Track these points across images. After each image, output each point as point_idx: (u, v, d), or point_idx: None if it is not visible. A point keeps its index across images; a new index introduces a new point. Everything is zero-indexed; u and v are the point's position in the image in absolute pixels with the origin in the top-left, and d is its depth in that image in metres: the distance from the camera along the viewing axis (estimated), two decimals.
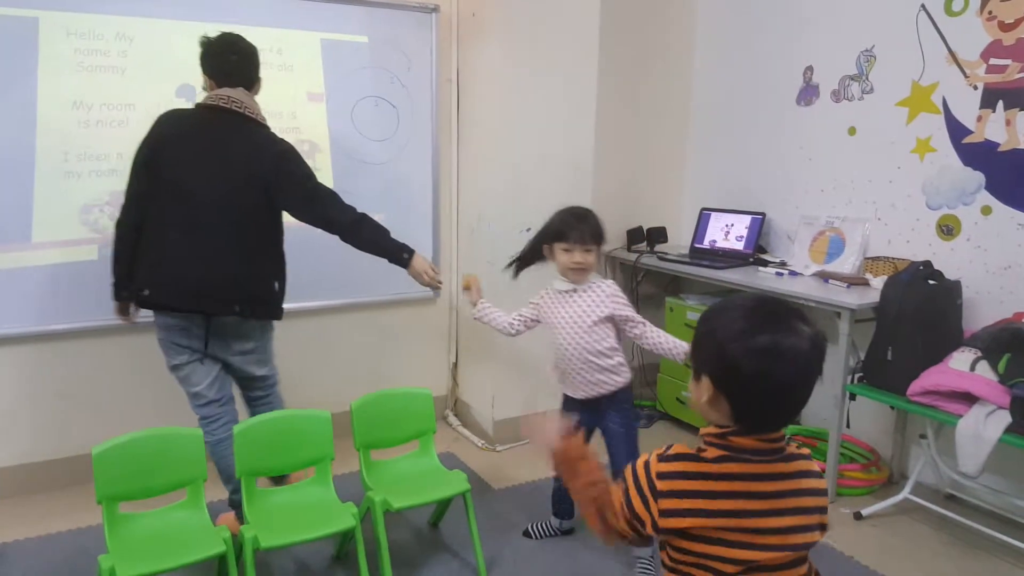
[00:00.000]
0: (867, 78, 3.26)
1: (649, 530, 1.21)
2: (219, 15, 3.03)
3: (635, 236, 3.97)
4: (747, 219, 3.71)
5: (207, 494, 2.18)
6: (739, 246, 3.70)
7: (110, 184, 2.91)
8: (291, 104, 3.22)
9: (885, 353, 2.77)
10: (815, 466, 1.27)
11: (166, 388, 3.05)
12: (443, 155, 3.57)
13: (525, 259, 2.58)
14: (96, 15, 2.84)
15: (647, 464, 1.23)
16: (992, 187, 2.85)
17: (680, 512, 1.18)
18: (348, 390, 2.60)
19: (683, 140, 4.19)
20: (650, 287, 4.15)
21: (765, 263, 3.51)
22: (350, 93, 3.33)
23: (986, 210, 2.87)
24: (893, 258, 3.12)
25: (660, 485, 1.19)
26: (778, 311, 1.18)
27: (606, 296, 2.39)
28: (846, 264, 3.22)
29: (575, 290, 2.42)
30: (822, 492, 1.25)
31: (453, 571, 2.43)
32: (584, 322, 2.37)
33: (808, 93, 3.52)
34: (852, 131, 3.34)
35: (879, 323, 2.82)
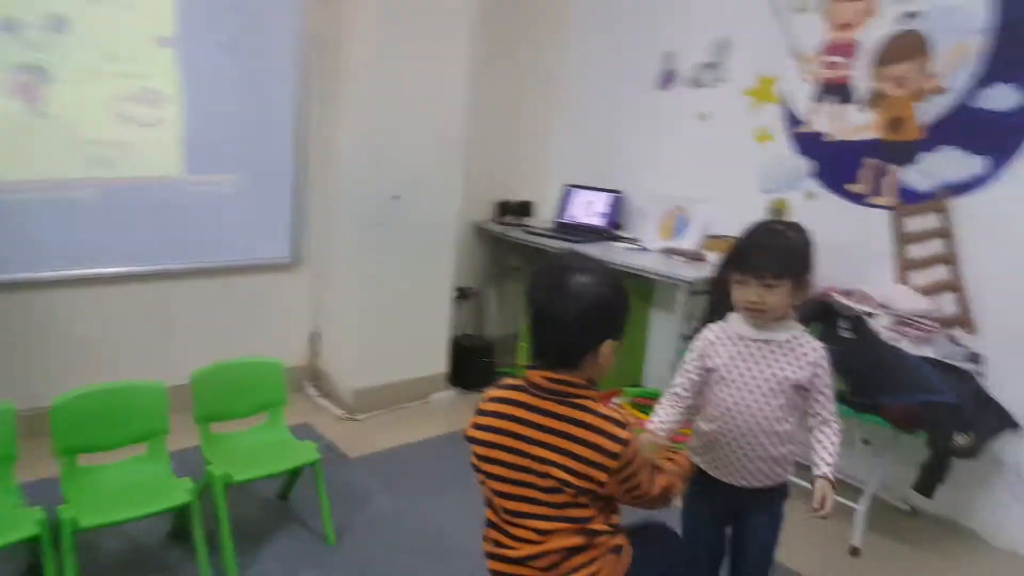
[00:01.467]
0: (721, 67, 3.43)
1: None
2: None
3: (504, 209, 4.02)
4: (606, 196, 3.84)
5: (19, 475, 2.01)
6: (599, 222, 3.82)
7: None
8: (136, 47, 2.94)
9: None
10: (606, 425, 1.42)
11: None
12: (306, 112, 3.41)
13: (717, 294, 2.09)
14: None
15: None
16: (818, 174, 3.12)
17: (475, 426, 1.54)
18: (194, 361, 2.45)
19: (551, 115, 4.24)
20: (516, 259, 4.22)
21: (620, 239, 3.68)
22: (203, 39, 3.08)
23: (809, 195, 3.14)
24: (728, 236, 3.34)
25: (473, 419, 1.56)
26: (558, 274, 1.44)
27: (809, 362, 1.70)
28: (688, 241, 3.48)
29: (767, 343, 1.73)
30: (598, 447, 1.40)
31: (300, 540, 2.39)
32: (767, 387, 1.71)
33: (667, 78, 3.67)
34: (703, 117, 3.52)
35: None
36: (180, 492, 2.07)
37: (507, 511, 1.49)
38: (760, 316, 1.70)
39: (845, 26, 2.99)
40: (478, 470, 1.53)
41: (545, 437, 1.43)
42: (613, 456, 1.39)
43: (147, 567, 2.21)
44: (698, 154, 3.56)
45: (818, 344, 1.73)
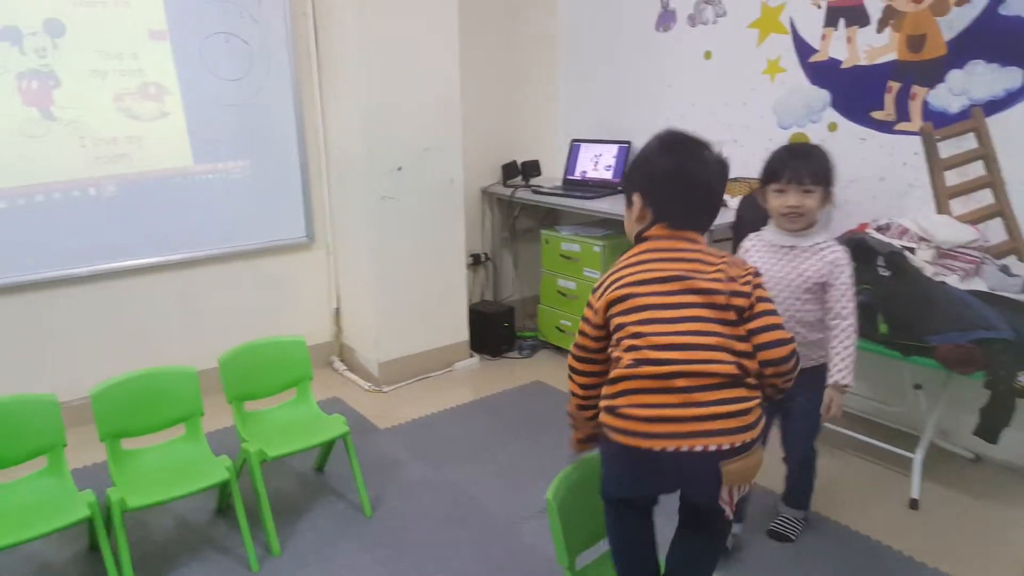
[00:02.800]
0: (720, 2, 3.36)
1: (596, 324, 1.49)
2: None
3: (510, 171, 4.02)
4: (614, 148, 3.82)
5: (69, 462, 2.12)
6: (608, 175, 3.81)
7: None
8: (131, 44, 2.99)
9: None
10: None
11: (15, 357, 2.93)
12: (305, 94, 3.44)
13: (745, 217, 2.28)
14: None
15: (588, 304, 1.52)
16: (837, 104, 3.03)
17: (615, 300, 1.45)
18: (222, 345, 2.54)
19: (552, 71, 4.20)
20: (528, 221, 4.23)
21: None
22: (196, 30, 3.12)
23: (832, 127, 3.05)
24: (748, 178, 3.30)
25: (596, 294, 1.49)
26: (687, 139, 1.51)
27: (827, 262, 1.97)
28: None
29: (793, 248, 2.01)
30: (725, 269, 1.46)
31: (338, 512, 2.49)
32: (795, 285, 2.00)
33: (666, 19, 3.60)
34: (708, 55, 3.45)
35: (735, 240, 3.01)
36: (219, 470, 2.16)
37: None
38: (798, 220, 1.97)
39: None
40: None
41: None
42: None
43: (195, 543, 2.32)
44: (707, 95, 3.49)
45: (839, 247, 1.99)
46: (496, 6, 3.92)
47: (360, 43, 3.14)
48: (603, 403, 1.46)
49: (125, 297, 3.15)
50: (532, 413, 3.21)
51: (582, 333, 1.53)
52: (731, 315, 1.41)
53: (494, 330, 3.85)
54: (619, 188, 3.70)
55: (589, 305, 1.51)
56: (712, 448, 1.36)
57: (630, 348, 1.41)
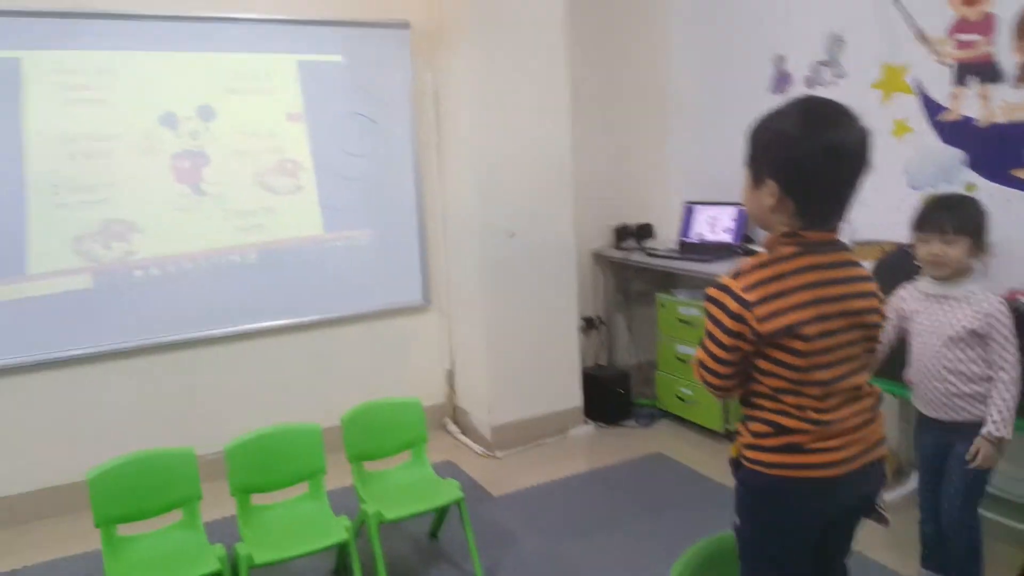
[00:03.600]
0: (837, 63, 3.27)
1: (749, 341, 1.31)
2: (197, 44, 3.09)
3: (622, 233, 4.01)
4: (732, 210, 3.72)
5: (204, 514, 2.22)
6: (727, 238, 3.70)
7: (100, 213, 2.98)
8: (271, 126, 3.27)
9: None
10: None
11: (163, 411, 3.14)
12: (424, 166, 3.61)
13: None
14: (77, 51, 2.90)
15: (726, 288, 1.32)
16: (975, 164, 2.84)
17: (776, 313, 1.29)
18: (342, 403, 2.63)
19: (662, 133, 4.19)
20: (641, 284, 4.17)
21: (753, 254, 3.50)
22: (329, 111, 3.38)
23: (970, 187, 2.84)
24: (880, 241, 3.11)
25: (750, 296, 1.29)
26: (832, 109, 1.31)
27: (982, 312, 1.95)
28: None
29: (945, 297, 2.03)
30: (870, 278, 1.41)
31: None
32: (946, 335, 2.00)
33: (781, 81, 3.53)
34: None
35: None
36: (339, 530, 2.19)
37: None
38: (941, 268, 2.00)
39: (971, 1, 2.76)
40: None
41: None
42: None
43: None
44: None
45: (995, 297, 1.97)
46: (607, 70, 3.99)
47: (475, 115, 3.28)
48: (770, 449, 1.38)
49: (260, 356, 3.34)
50: (653, 488, 3.06)
51: (719, 350, 1.35)
52: (871, 332, 1.40)
53: (609, 396, 3.75)
54: (739, 251, 3.59)
55: (735, 316, 1.30)
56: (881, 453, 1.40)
57: (795, 392, 1.34)
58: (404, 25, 3.47)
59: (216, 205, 3.20)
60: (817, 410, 1.34)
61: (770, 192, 1.31)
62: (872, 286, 1.40)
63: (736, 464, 1.46)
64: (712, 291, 1.35)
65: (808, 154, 1.27)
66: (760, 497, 1.42)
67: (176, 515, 2.22)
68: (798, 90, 3.45)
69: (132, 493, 2.13)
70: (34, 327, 2.92)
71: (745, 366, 1.37)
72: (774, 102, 3.16)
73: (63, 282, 2.96)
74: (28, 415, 2.96)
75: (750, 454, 1.40)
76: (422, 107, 3.58)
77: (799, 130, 1.28)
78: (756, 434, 1.39)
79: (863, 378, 1.40)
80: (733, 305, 1.30)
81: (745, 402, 1.43)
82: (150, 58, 3.02)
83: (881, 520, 1.49)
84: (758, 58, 3.61)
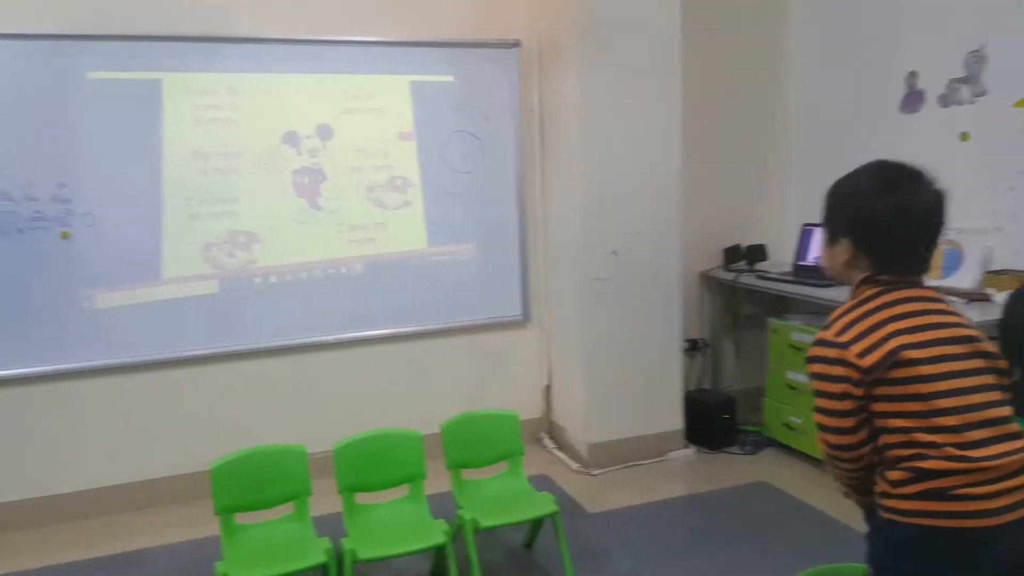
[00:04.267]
0: (977, 80, 3.06)
1: (857, 383, 1.27)
2: (318, 67, 3.29)
3: (732, 255, 3.88)
4: None
5: (311, 508, 2.32)
6: None
7: (227, 224, 3.20)
8: (384, 144, 3.42)
9: (1010, 373, 2.54)
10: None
11: (275, 409, 3.31)
12: (528, 183, 3.66)
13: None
14: (210, 73, 3.15)
15: (819, 342, 1.33)
16: None
17: (874, 346, 1.27)
18: (441, 411, 2.69)
19: (780, 153, 4.07)
20: (751, 308, 4.03)
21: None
22: (438, 129, 3.50)
23: None
24: (1019, 270, 2.88)
25: (844, 338, 1.29)
26: (905, 173, 1.35)
27: None
28: (965, 279, 3.01)
29: None
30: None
31: None
32: None
33: (912, 100, 3.35)
34: (964, 137, 3.13)
35: (1003, 341, 2.58)
36: (437, 533, 2.23)
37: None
38: None
39: None
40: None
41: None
42: None
43: None
44: (963, 180, 3.12)
45: None
46: (721, 84, 3.91)
47: (582, 132, 3.29)
48: (910, 497, 1.26)
49: (365, 362, 3.47)
50: (756, 516, 2.93)
51: (831, 402, 1.31)
52: (993, 362, 1.34)
53: (712, 421, 3.63)
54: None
55: (835, 361, 1.28)
56: None
57: (925, 428, 1.25)
58: (514, 44, 3.55)
59: (331, 219, 3.37)
60: (957, 445, 1.23)
61: (844, 249, 1.37)
62: (966, 320, 1.36)
63: (870, 512, 1.36)
64: (810, 352, 1.36)
65: (877, 214, 1.33)
66: (899, 550, 1.29)
67: (287, 508, 2.33)
68: (930, 109, 3.27)
69: (249, 485, 2.27)
70: (165, 327, 3.16)
71: (868, 426, 1.31)
72: (904, 122, 3.04)
73: (192, 287, 3.19)
74: (155, 409, 3.19)
75: (887, 502, 1.30)
76: (528, 126, 3.64)
77: (870, 190, 1.35)
78: (894, 482, 1.28)
79: (1004, 411, 1.29)
80: (831, 352, 1.31)
81: (880, 455, 1.32)
82: (275, 80, 3.24)
83: None
84: (887, 75, 3.45)
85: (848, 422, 1.30)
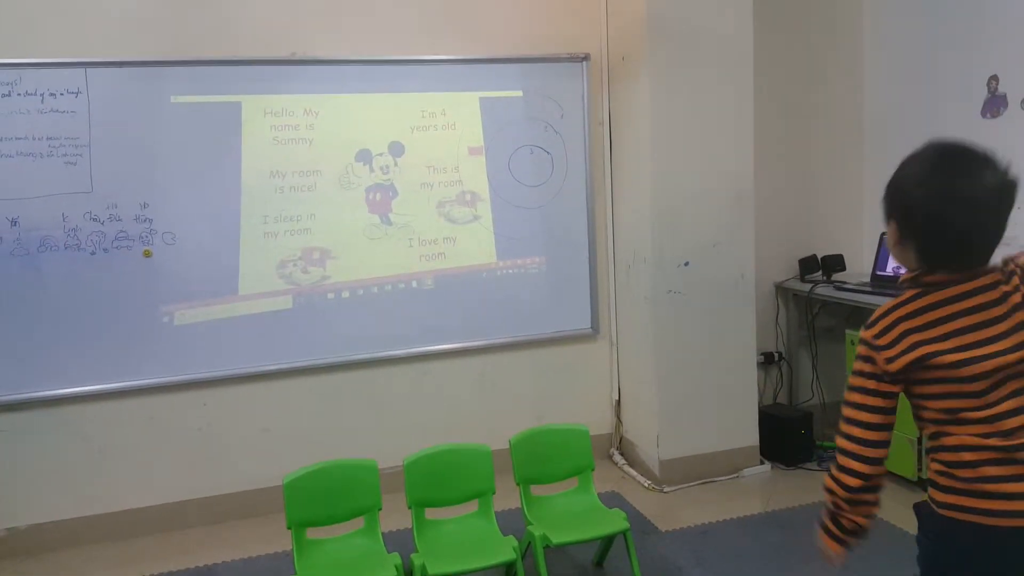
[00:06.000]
0: None
1: (885, 381, 1.29)
2: (390, 86, 3.35)
3: (808, 265, 3.75)
4: None
5: (382, 523, 2.34)
6: None
7: (302, 241, 3.29)
8: (454, 159, 3.45)
9: None
10: None
11: (346, 424, 3.37)
12: (597, 195, 3.63)
13: None
14: (288, 95, 3.25)
15: (860, 340, 1.33)
16: None
17: (904, 351, 1.26)
18: (510, 426, 2.68)
19: (857, 161, 3.91)
20: (828, 319, 3.87)
21: None
22: (507, 144, 3.51)
23: None
24: None
25: (879, 341, 1.29)
26: (961, 156, 1.24)
27: None
28: None
29: None
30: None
31: None
32: None
33: (995, 104, 3.17)
34: None
35: None
36: (507, 550, 2.22)
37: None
38: None
39: None
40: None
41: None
42: None
43: None
44: None
45: None
46: (794, 91, 3.80)
47: (653, 142, 3.24)
48: (945, 489, 1.26)
49: (434, 376, 3.49)
50: None
51: (860, 396, 1.33)
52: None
53: (789, 437, 3.50)
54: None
55: (865, 359, 1.32)
56: None
57: (961, 421, 1.25)
58: (584, 57, 3.54)
59: (402, 234, 3.42)
60: (1000, 433, 1.23)
61: (892, 232, 1.34)
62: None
63: (919, 506, 1.35)
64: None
65: (922, 200, 1.26)
66: (934, 544, 1.29)
67: (357, 523, 2.36)
68: (1014, 113, 3.08)
69: (321, 499, 2.30)
70: (241, 343, 3.26)
71: (888, 431, 1.33)
72: (985, 127, 2.89)
73: (268, 302, 3.29)
74: (231, 423, 3.28)
75: (931, 493, 1.32)
76: (597, 138, 3.61)
77: (921, 175, 1.27)
78: (938, 471, 1.30)
79: None
80: (863, 350, 1.34)
81: (927, 447, 1.34)
82: (349, 100, 3.32)
83: None
84: (968, 78, 3.28)
85: (874, 418, 1.31)
